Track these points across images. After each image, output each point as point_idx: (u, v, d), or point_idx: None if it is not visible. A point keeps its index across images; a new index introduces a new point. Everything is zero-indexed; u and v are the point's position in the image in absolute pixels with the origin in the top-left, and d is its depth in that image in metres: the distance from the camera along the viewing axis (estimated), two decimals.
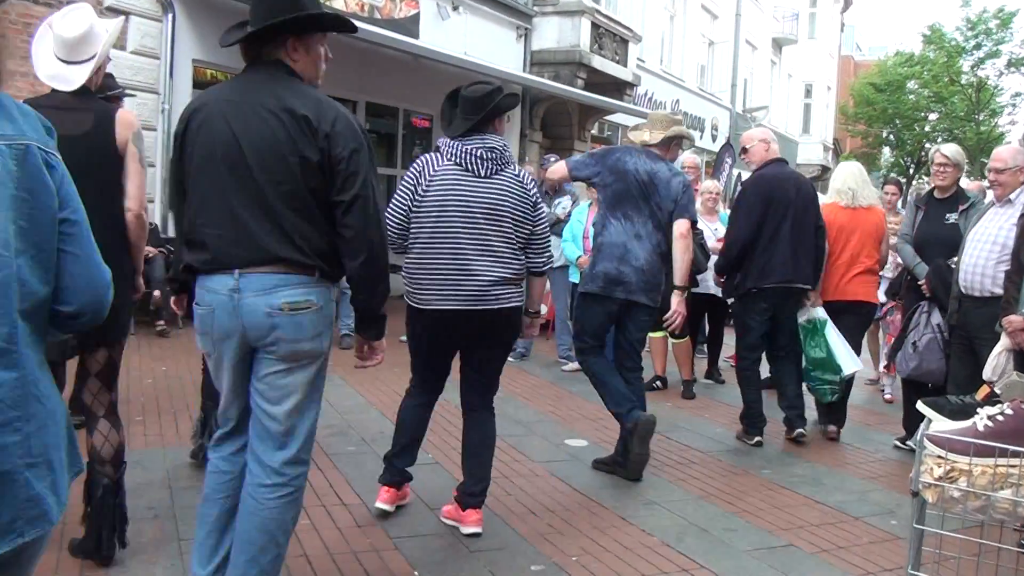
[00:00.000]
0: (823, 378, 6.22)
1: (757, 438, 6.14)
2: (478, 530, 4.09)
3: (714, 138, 25.16)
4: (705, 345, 8.90)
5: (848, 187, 6.39)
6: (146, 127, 9.95)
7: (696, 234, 7.34)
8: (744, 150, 6.33)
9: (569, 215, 8.71)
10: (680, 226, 5.19)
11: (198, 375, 5.36)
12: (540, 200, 4.17)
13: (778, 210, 5.96)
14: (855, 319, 6.37)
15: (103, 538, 3.55)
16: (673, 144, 5.44)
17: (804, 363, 6.32)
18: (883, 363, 8.11)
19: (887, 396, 8.16)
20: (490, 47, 14.77)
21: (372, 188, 2.89)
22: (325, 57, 3.08)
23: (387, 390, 6.88)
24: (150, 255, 8.91)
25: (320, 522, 4.14)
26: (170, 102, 10.24)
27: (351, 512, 4.30)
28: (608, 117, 18.87)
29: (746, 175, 7.02)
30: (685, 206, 5.23)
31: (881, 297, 7.39)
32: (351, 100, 12.75)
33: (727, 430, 6.51)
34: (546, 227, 4.19)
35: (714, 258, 7.76)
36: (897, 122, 38.37)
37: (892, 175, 16.11)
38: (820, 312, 6.18)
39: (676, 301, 5.29)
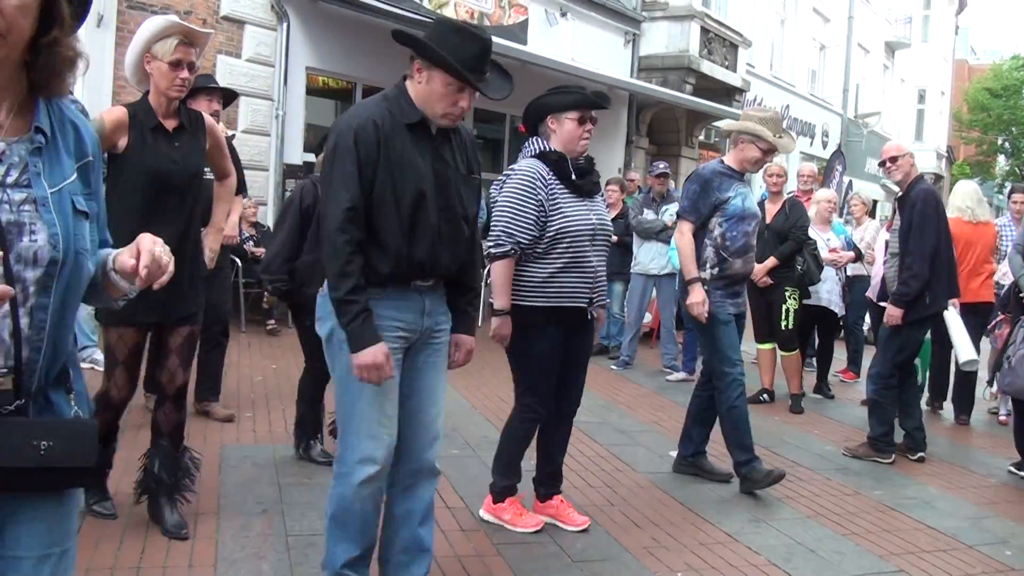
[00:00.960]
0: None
1: (920, 453, 6.16)
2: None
3: (824, 144, 24.58)
4: (814, 359, 8.70)
5: (967, 205, 7.33)
6: (260, 132, 10.29)
7: (808, 244, 7.21)
8: (893, 159, 6.02)
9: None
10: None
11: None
12: None
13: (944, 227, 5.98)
14: (977, 319, 6.85)
15: (161, 505, 3.87)
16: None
17: None
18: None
19: (1001, 418, 7.82)
20: (598, 53, 14.73)
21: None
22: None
23: (491, 395, 6.93)
24: (258, 255, 9.16)
25: None
26: (284, 108, 10.53)
27: (455, 516, 4.34)
28: (717, 123, 18.62)
29: (863, 184, 6.93)
30: None
31: None
32: None
33: (836, 448, 6.34)
34: None
35: (827, 270, 7.61)
36: (1013, 129, 36.87)
37: (1021, 184, 15.49)
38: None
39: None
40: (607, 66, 14.50)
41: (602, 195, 4.48)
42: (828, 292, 7.75)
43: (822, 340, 8.37)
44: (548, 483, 4.41)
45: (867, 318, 9.30)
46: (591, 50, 14.63)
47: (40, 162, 1.77)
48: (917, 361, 6.55)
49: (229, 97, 5.87)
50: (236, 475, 4.74)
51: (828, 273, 7.68)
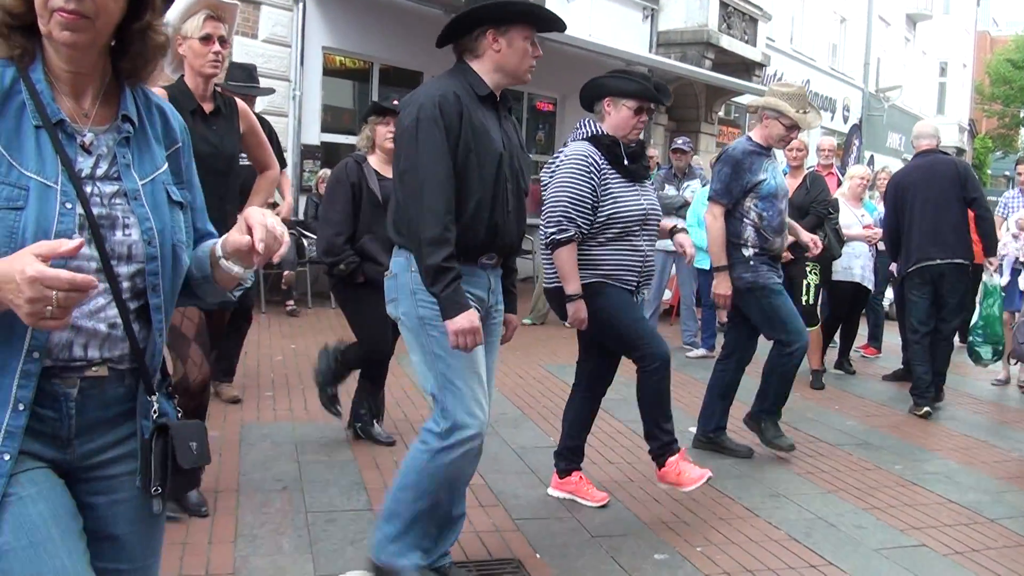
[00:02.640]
0: (991, 334, 6.83)
1: (926, 408, 6.52)
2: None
3: (845, 119, 24.35)
4: (836, 335, 8.64)
5: None
6: (277, 113, 10.29)
7: (830, 219, 7.15)
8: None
9: None
10: None
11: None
12: None
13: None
14: None
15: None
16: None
17: (974, 319, 7.00)
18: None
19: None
20: (616, 28, 14.63)
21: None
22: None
23: (510, 372, 6.93)
24: None
25: None
26: (301, 89, 10.53)
27: (473, 492, 4.31)
28: (736, 99, 18.46)
29: (885, 159, 7.01)
30: None
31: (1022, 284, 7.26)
32: None
33: (857, 423, 6.32)
34: None
35: (861, 246, 7.55)
36: None
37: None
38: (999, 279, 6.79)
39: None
40: (625, 42, 14.39)
41: (652, 178, 4.41)
42: (863, 268, 7.68)
43: (847, 316, 8.30)
44: (569, 458, 4.40)
45: (888, 293, 9.25)
46: (609, 26, 14.52)
47: (129, 152, 1.71)
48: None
49: (251, 76, 5.95)
50: (256, 453, 4.77)
51: (862, 249, 7.62)
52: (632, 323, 4.18)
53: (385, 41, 11.27)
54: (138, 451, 1.74)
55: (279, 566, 3.47)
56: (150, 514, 1.78)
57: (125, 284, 1.67)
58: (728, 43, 16.08)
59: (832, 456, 5.43)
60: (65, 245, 1.41)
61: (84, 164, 1.64)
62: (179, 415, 1.82)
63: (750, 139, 5.21)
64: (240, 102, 4.06)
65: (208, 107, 3.78)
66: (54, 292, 1.36)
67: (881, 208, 8.82)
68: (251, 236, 1.64)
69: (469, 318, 3.00)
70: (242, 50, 9.86)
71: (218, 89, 3.94)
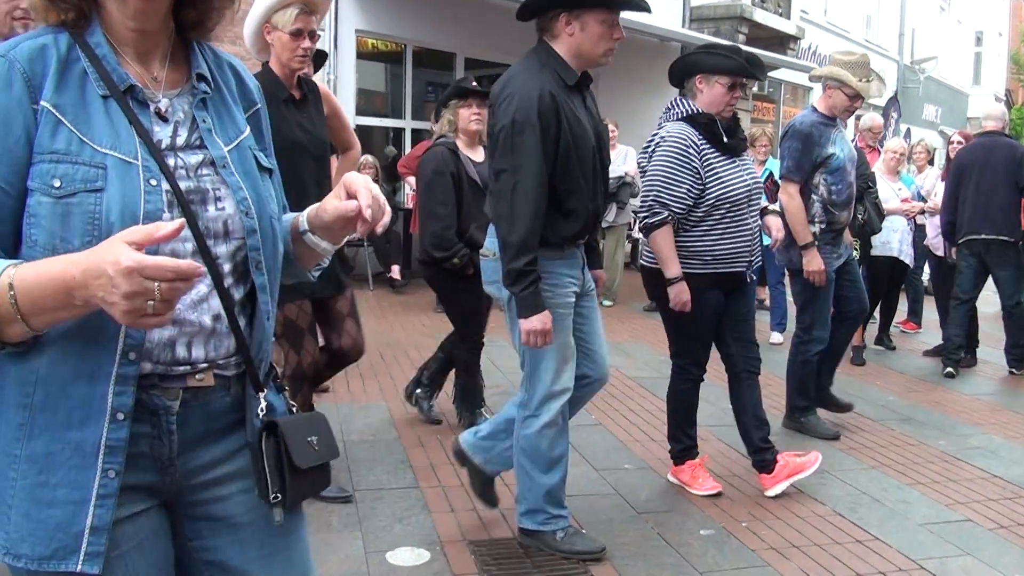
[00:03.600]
0: None
1: (949, 369, 7.01)
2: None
3: (881, 92, 24.00)
4: (877, 310, 8.55)
5: None
6: None
7: (870, 192, 7.08)
8: None
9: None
10: None
11: (377, 337, 5.50)
12: None
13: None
14: None
15: None
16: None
17: None
18: None
19: None
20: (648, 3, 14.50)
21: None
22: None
23: None
24: None
25: None
26: (335, 72, 10.55)
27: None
28: (772, 74, 18.23)
29: (921, 132, 6.99)
30: None
31: None
32: (503, 64, 12.81)
33: (899, 399, 6.29)
34: None
35: (899, 220, 7.46)
36: None
37: None
38: None
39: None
40: (658, 17, 14.22)
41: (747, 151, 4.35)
42: (900, 243, 7.61)
43: (887, 291, 8.22)
44: (765, 448, 4.29)
45: (926, 268, 9.16)
46: None
47: (208, 116, 1.50)
48: None
49: (319, 60, 5.69)
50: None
51: (900, 223, 7.54)
52: (695, 338, 4.19)
53: (418, 23, 11.27)
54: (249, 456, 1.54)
55: (329, 543, 3.53)
56: (282, 531, 1.57)
57: (226, 267, 1.47)
58: (762, 17, 15.90)
59: (875, 431, 5.43)
60: (163, 228, 1.20)
61: (162, 134, 1.45)
62: (294, 410, 1.62)
63: (814, 110, 5.10)
64: (322, 86, 4.01)
65: (297, 94, 3.74)
66: (156, 284, 1.16)
67: (919, 181, 8.76)
68: (357, 201, 1.44)
69: (543, 320, 3.15)
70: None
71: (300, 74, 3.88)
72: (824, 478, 4.50)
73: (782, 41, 17.13)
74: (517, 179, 3.09)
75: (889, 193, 7.48)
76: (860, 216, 7.06)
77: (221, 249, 1.45)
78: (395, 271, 10.27)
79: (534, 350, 3.29)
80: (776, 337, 8.11)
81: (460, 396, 5.09)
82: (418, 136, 11.78)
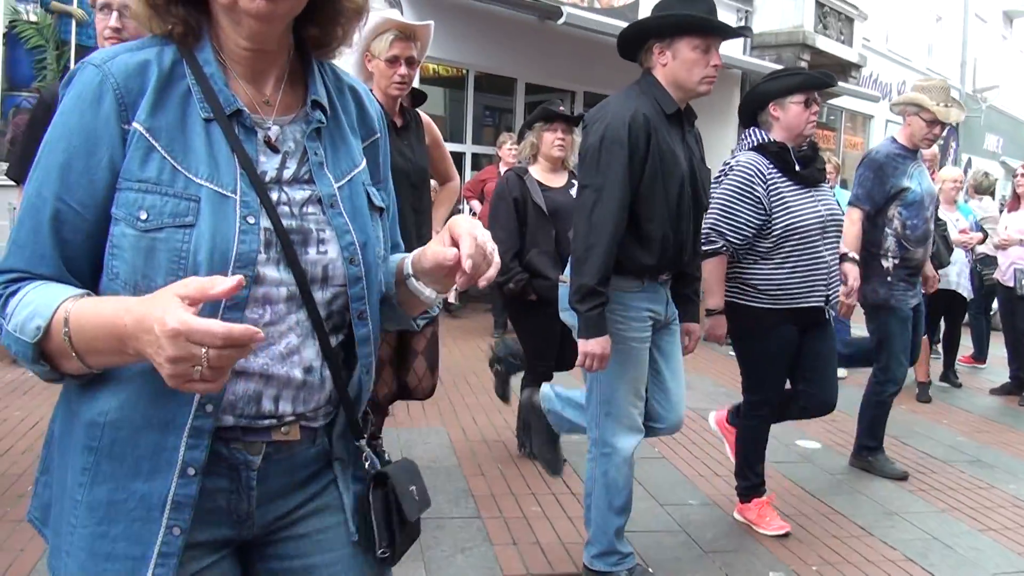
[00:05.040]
0: None
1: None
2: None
3: (960, 119, 23.61)
4: (940, 346, 8.40)
5: None
6: None
7: (939, 225, 6.94)
8: None
9: None
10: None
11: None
12: None
13: None
14: None
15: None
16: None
17: None
18: None
19: None
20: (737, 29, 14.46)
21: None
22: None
23: None
24: None
25: (551, 511, 4.23)
26: None
27: (579, 500, 4.34)
28: (832, 101, 18.08)
29: (983, 162, 6.82)
30: None
31: None
32: (568, 90, 12.85)
33: (967, 439, 6.15)
34: None
35: (956, 252, 7.32)
36: None
37: None
38: None
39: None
40: (721, 44, 14.21)
41: (827, 181, 4.21)
42: (958, 275, 7.47)
43: (949, 326, 8.07)
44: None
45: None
46: None
47: (321, 147, 1.37)
48: None
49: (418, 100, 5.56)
50: None
51: (957, 255, 7.40)
52: (768, 375, 4.07)
53: (480, 48, 11.35)
54: (343, 505, 1.45)
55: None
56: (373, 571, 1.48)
57: (323, 313, 1.35)
58: (824, 44, 15.77)
59: (944, 473, 5.30)
60: (220, 285, 1.06)
61: (268, 165, 1.32)
62: (386, 456, 1.51)
63: (894, 140, 4.97)
64: (424, 116, 3.99)
65: (399, 121, 3.72)
66: (204, 349, 1.02)
67: (977, 211, 8.58)
68: (458, 249, 1.28)
69: (602, 344, 3.09)
70: (339, 60, 10.01)
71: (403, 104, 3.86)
72: (893, 520, 4.41)
73: (844, 69, 16.96)
74: (599, 196, 3.05)
75: (948, 224, 7.34)
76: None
77: (319, 296, 1.34)
78: (451, 294, 10.30)
79: (604, 383, 3.26)
80: (840, 372, 7.97)
81: (523, 424, 5.03)
82: (478, 161, 11.84)
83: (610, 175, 3.04)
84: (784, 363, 4.04)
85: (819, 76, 4.01)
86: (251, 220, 1.26)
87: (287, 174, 1.34)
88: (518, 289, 4.58)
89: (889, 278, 4.85)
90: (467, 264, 1.26)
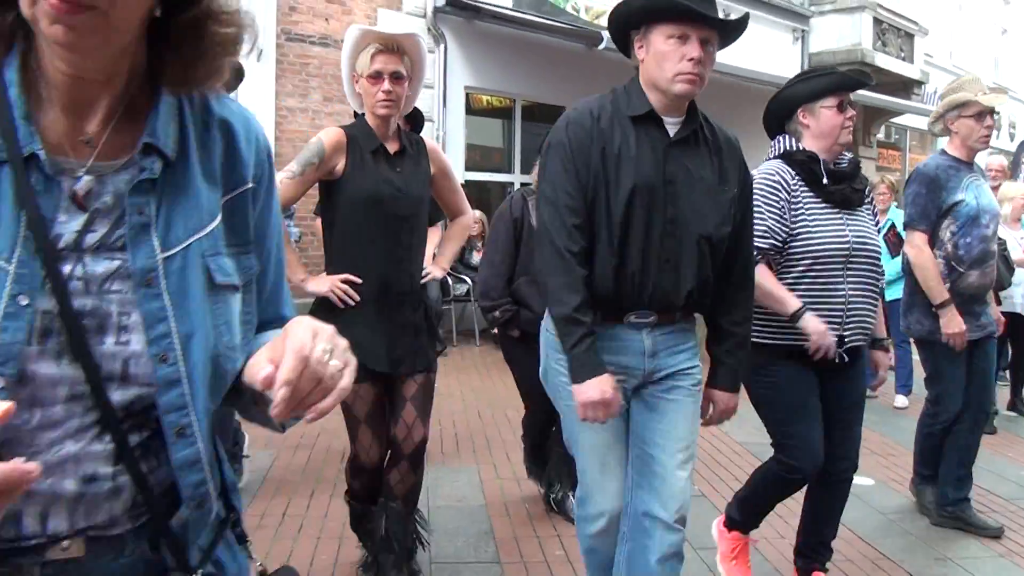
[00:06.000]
0: None
1: None
2: None
3: (1012, 136, 22.90)
4: (1006, 371, 7.99)
5: None
6: None
7: (1000, 244, 6.56)
8: None
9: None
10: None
11: (478, 395, 5.28)
12: None
13: None
14: None
15: (384, 565, 3.50)
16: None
17: None
18: None
19: None
20: (765, 52, 14.21)
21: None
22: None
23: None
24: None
25: (575, 554, 3.91)
26: (444, 129, 10.66)
27: None
28: (896, 120, 17.64)
29: None
30: None
31: None
32: None
33: None
34: None
35: (1019, 273, 6.94)
36: None
37: None
38: None
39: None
40: (776, 65, 13.97)
41: (870, 205, 3.58)
42: (1023, 296, 7.09)
43: (1016, 351, 7.66)
44: (808, 554, 3.68)
45: None
46: (758, 49, 14.09)
47: (151, 204, 1.07)
48: None
49: (417, 122, 5.23)
50: None
51: (1020, 276, 7.03)
52: (789, 423, 3.39)
53: (527, 78, 11.30)
54: None
55: None
56: None
57: (121, 414, 1.06)
58: (883, 61, 15.40)
59: (1005, 512, 4.94)
60: None
61: (67, 227, 1.04)
62: (259, 568, 1.24)
63: (944, 152, 4.51)
64: (430, 142, 3.71)
65: (393, 147, 3.40)
66: None
67: None
68: (269, 371, 0.98)
69: (600, 387, 2.53)
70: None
71: (403, 127, 3.58)
72: (947, 567, 4.10)
73: (905, 86, 16.55)
74: (548, 209, 2.61)
75: (1011, 243, 6.97)
76: None
77: (117, 396, 1.05)
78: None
79: (572, 441, 2.81)
80: (901, 401, 7.64)
81: (530, 456, 4.74)
82: None
83: (552, 183, 2.61)
84: (799, 406, 3.38)
85: (853, 75, 3.53)
86: (23, 301, 0.99)
87: (91, 239, 1.05)
88: (502, 319, 4.32)
89: (933, 308, 4.37)
90: (280, 395, 0.96)
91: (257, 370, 1.02)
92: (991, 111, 4.40)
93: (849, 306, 3.35)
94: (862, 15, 15.15)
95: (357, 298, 3.27)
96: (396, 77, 3.29)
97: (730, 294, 2.80)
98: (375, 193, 3.28)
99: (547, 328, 2.80)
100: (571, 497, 4.28)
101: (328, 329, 1.02)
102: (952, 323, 4.29)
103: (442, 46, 10.62)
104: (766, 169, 3.44)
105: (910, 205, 4.46)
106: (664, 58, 2.58)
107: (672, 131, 2.68)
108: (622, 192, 2.57)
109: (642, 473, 2.74)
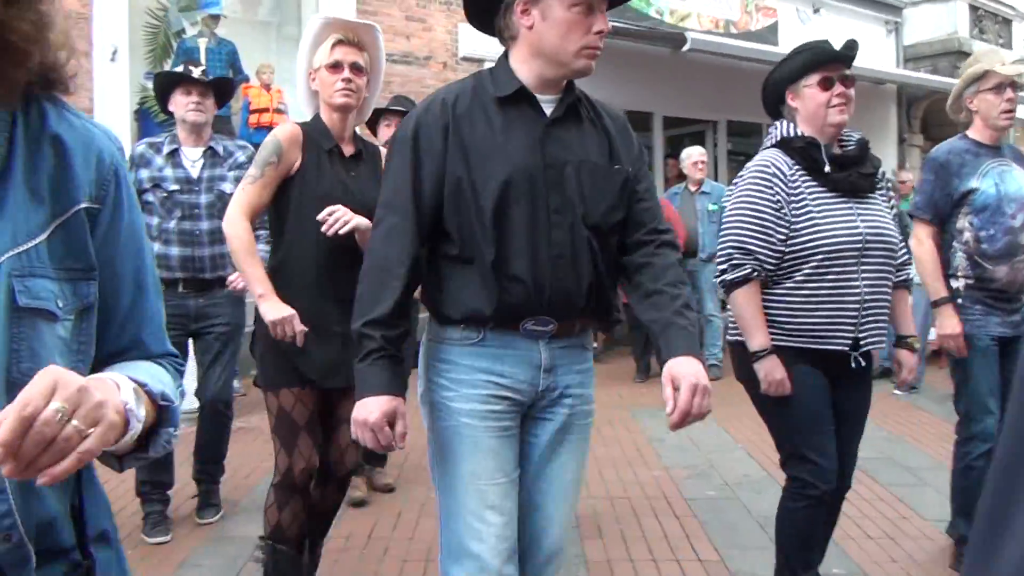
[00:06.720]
0: None
1: None
2: None
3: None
4: None
5: None
6: None
7: None
8: None
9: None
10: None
11: None
12: None
13: None
14: None
15: None
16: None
17: None
18: None
19: None
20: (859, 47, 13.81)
21: None
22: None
23: (754, 427, 6.40)
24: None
25: None
26: None
27: (706, 569, 3.90)
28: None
29: None
30: None
31: None
32: (708, 120, 12.43)
33: None
34: None
35: None
36: None
37: None
38: None
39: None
40: (870, 58, 13.51)
41: (884, 191, 3.24)
42: None
43: None
44: None
45: None
46: None
47: None
48: None
49: (375, 115, 5.02)
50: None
51: None
52: (800, 431, 3.08)
53: (613, 85, 10.89)
54: None
55: None
56: None
57: None
58: (981, 49, 14.75)
59: None
60: None
61: None
62: None
63: (964, 136, 3.92)
64: (384, 151, 3.38)
65: (348, 149, 3.26)
66: None
67: None
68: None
69: (368, 408, 2.14)
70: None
71: (360, 133, 3.45)
72: None
73: None
74: (379, 211, 2.30)
75: None
76: None
77: None
78: (597, 341, 9.99)
79: (438, 476, 2.33)
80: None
81: None
82: None
83: (390, 184, 2.28)
84: (819, 416, 3.05)
85: (831, 49, 3.12)
86: None
87: None
88: None
89: (960, 300, 3.81)
90: None
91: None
92: (1012, 83, 3.83)
93: (865, 305, 3.02)
94: (957, 3, 14.61)
95: (299, 343, 3.03)
96: (356, 68, 3.16)
97: (656, 262, 2.34)
98: (328, 194, 3.13)
99: (429, 341, 2.40)
100: None
101: (74, 384, 0.88)
102: (946, 324, 3.78)
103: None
104: (758, 161, 3.14)
105: (917, 193, 4.02)
106: (569, 29, 2.21)
107: (548, 109, 2.31)
108: (492, 183, 2.21)
109: (524, 520, 2.35)
